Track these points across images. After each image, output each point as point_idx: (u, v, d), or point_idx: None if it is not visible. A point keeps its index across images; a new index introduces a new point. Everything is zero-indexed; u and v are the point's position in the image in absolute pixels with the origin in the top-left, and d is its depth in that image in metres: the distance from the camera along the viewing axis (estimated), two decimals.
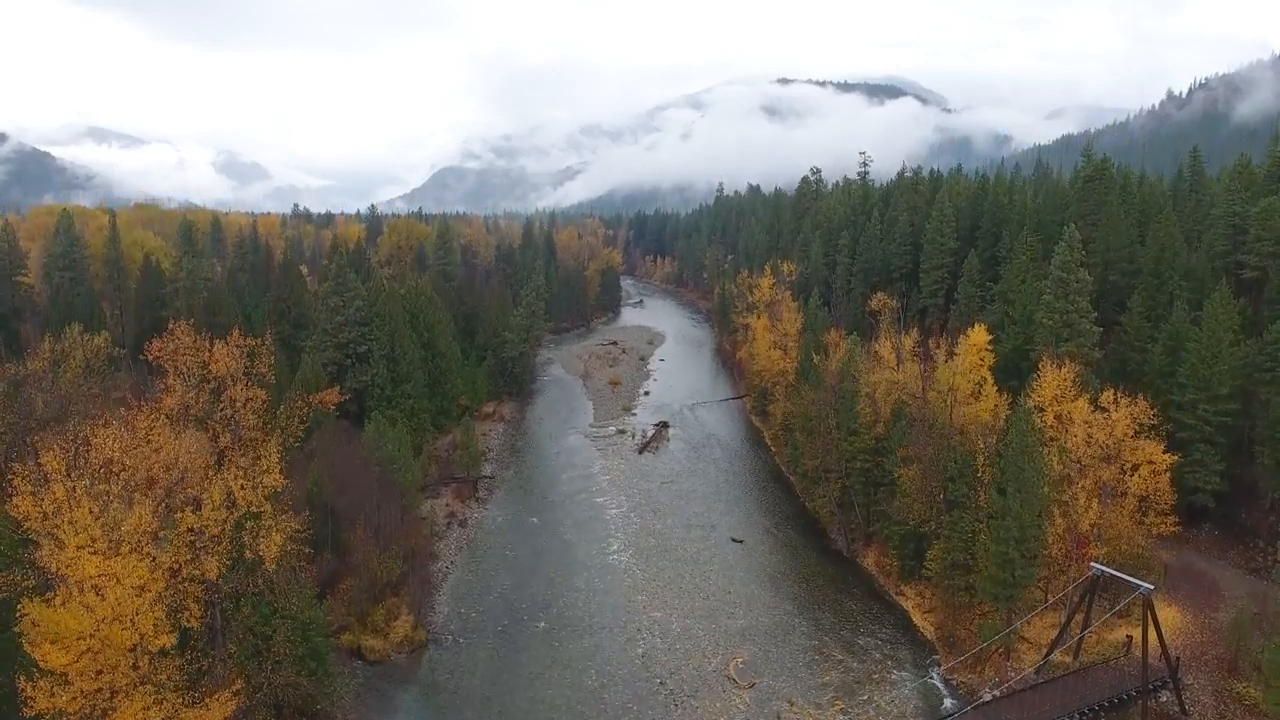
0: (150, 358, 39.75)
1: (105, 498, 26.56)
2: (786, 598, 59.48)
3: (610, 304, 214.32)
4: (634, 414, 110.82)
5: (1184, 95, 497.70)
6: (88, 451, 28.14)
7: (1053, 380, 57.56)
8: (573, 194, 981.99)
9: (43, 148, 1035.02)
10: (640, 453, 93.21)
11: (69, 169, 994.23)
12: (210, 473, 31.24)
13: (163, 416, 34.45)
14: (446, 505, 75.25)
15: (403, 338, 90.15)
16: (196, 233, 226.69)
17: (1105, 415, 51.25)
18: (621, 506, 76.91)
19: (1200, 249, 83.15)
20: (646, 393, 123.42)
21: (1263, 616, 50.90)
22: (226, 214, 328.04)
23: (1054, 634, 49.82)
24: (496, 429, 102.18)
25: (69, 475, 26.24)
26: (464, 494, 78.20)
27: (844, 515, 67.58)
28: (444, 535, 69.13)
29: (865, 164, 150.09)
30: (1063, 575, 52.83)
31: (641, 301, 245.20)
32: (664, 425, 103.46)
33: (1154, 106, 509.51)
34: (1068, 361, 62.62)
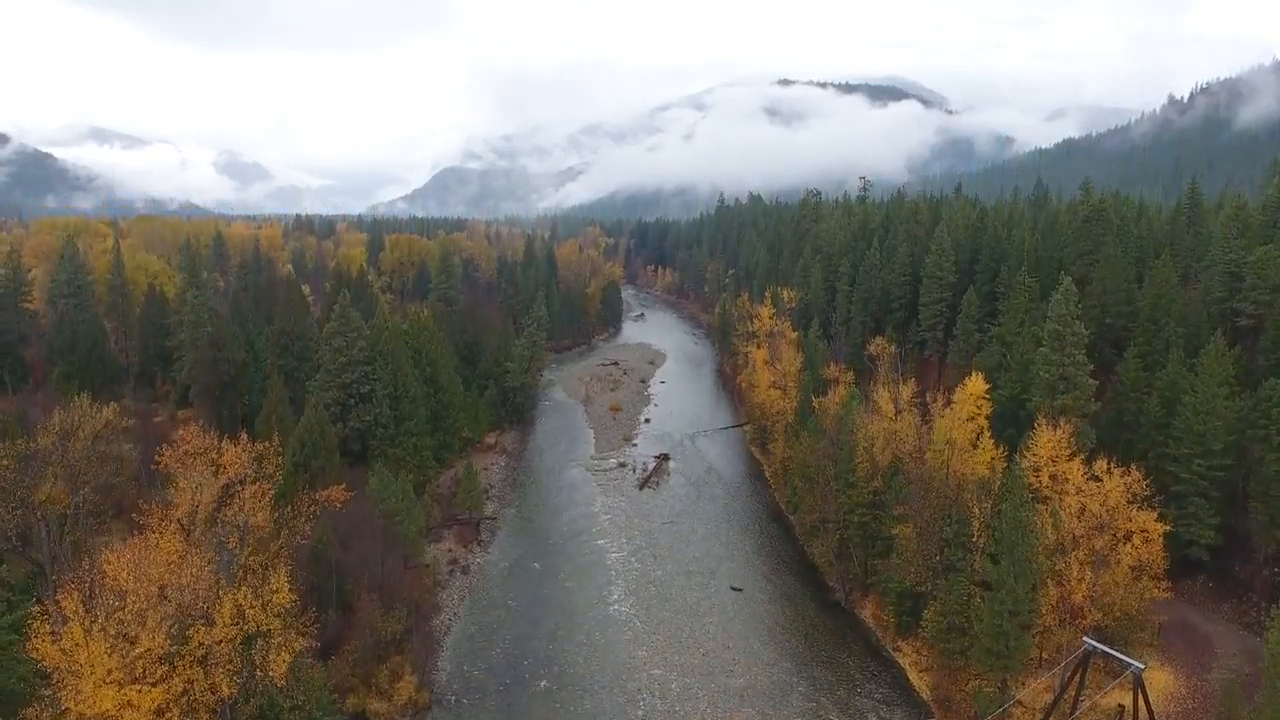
0: (161, 466, 40.24)
1: (120, 624, 27.29)
2: (785, 653, 60.21)
3: (611, 319, 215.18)
4: (634, 444, 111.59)
5: (1185, 100, 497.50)
6: (102, 580, 28.87)
7: (1048, 441, 58.30)
8: (574, 195, 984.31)
9: (44, 149, 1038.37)
10: (641, 488, 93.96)
11: (71, 170, 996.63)
12: (220, 587, 31.87)
13: (174, 522, 35.25)
14: (449, 550, 76.02)
15: (405, 375, 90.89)
16: (198, 245, 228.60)
17: (1099, 484, 51.91)
18: (622, 550, 77.64)
19: (1197, 293, 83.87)
20: (647, 420, 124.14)
21: (1255, 678, 51.69)
22: (229, 224, 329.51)
23: (1048, 698, 50.59)
24: (498, 462, 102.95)
25: (86, 611, 26.98)
26: (466, 537, 78.97)
27: (842, 565, 68.29)
28: (446, 584, 69.88)
29: (865, 187, 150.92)
30: (1059, 631, 53.73)
31: (643, 315, 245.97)
32: (664, 458, 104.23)
33: (1155, 111, 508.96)
34: (1063, 422, 63.50)
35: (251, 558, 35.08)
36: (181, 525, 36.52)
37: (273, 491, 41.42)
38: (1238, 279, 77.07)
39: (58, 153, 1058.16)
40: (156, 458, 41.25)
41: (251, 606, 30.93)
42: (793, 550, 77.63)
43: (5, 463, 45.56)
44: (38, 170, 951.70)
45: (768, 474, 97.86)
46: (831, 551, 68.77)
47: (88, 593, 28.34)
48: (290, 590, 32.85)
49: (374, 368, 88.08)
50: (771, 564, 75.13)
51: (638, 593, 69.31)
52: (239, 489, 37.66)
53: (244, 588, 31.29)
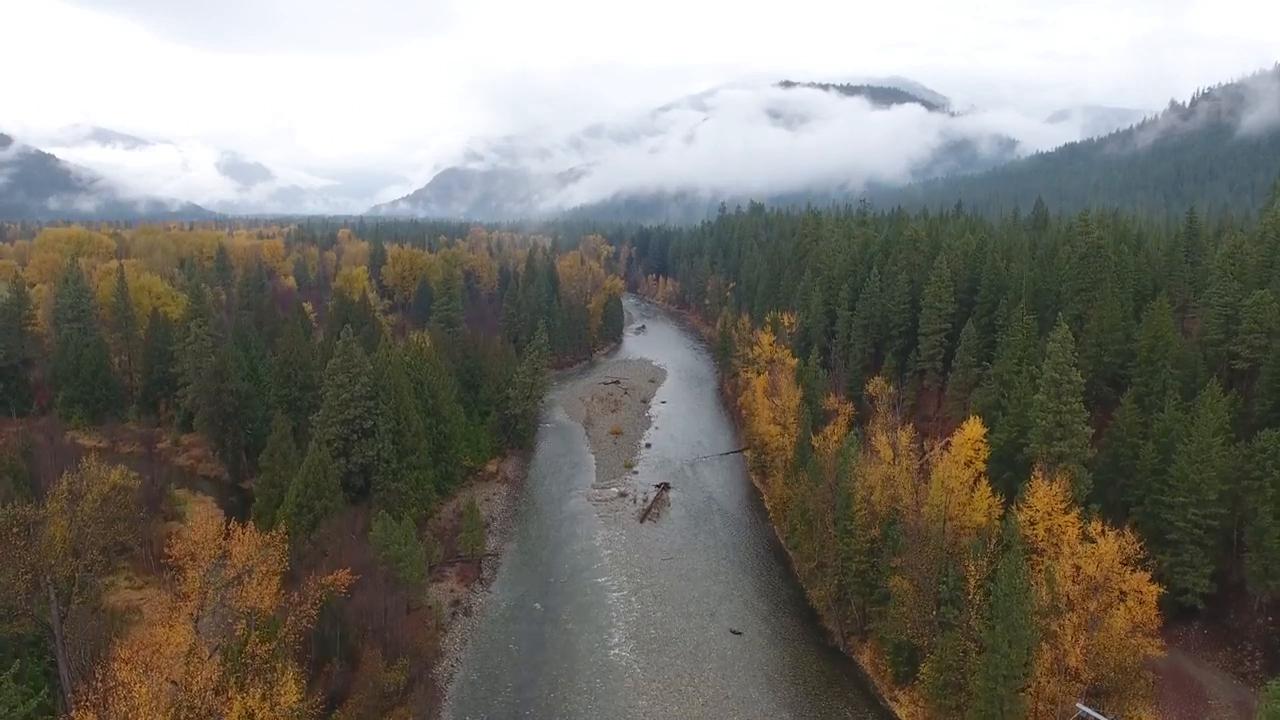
0: (171, 559, 40.87)
1: None
2: (783, 703, 60.81)
3: (613, 333, 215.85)
4: (635, 471, 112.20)
5: (1187, 105, 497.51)
6: (114, 687, 29.50)
7: (1045, 495, 58.87)
8: (575, 196, 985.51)
9: (47, 149, 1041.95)
10: (641, 521, 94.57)
11: (73, 172, 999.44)
12: (229, 686, 32.52)
13: (184, 615, 35.89)
14: (451, 591, 76.66)
15: (408, 409, 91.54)
16: (200, 258, 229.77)
17: (1093, 545, 52.44)
18: (623, 589, 78.26)
19: (1195, 330, 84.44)
20: (648, 444, 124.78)
21: None
22: (231, 233, 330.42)
23: None
24: (500, 492, 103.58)
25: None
26: (468, 575, 79.61)
27: (840, 610, 68.88)
28: (449, 627, 70.51)
29: (865, 208, 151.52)
30: (1053, 684, 54.32)
31: (644, 327, 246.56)
32: (665, 487, 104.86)
33: (1157, 116, 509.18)
34: (1060, 469, 64.12)
35: (259, 646, 35.73)
36: (191, 616, 37.24)
37: (278, 577, 41.98)
38: (1234, 321, 77.57)
39: (60, 154, 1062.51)
40: (167, 551, 41.68)
41: (260, 707, 31.63)
42: (792, 590, 78.20)
43: (14, 530, 46.25)
44: (41, 171, 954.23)
45: (767, 505, 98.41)
46: (830, 596, 69.38)
47: (101, 701, 28.98)
48: (297, 687, 33.50)
49: (376, 402, 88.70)
50: (770, 605, 75.72)
51: (638, 636, 69.90)
52: (247, 578, 38.39)
53: (254, 690, 31.93)
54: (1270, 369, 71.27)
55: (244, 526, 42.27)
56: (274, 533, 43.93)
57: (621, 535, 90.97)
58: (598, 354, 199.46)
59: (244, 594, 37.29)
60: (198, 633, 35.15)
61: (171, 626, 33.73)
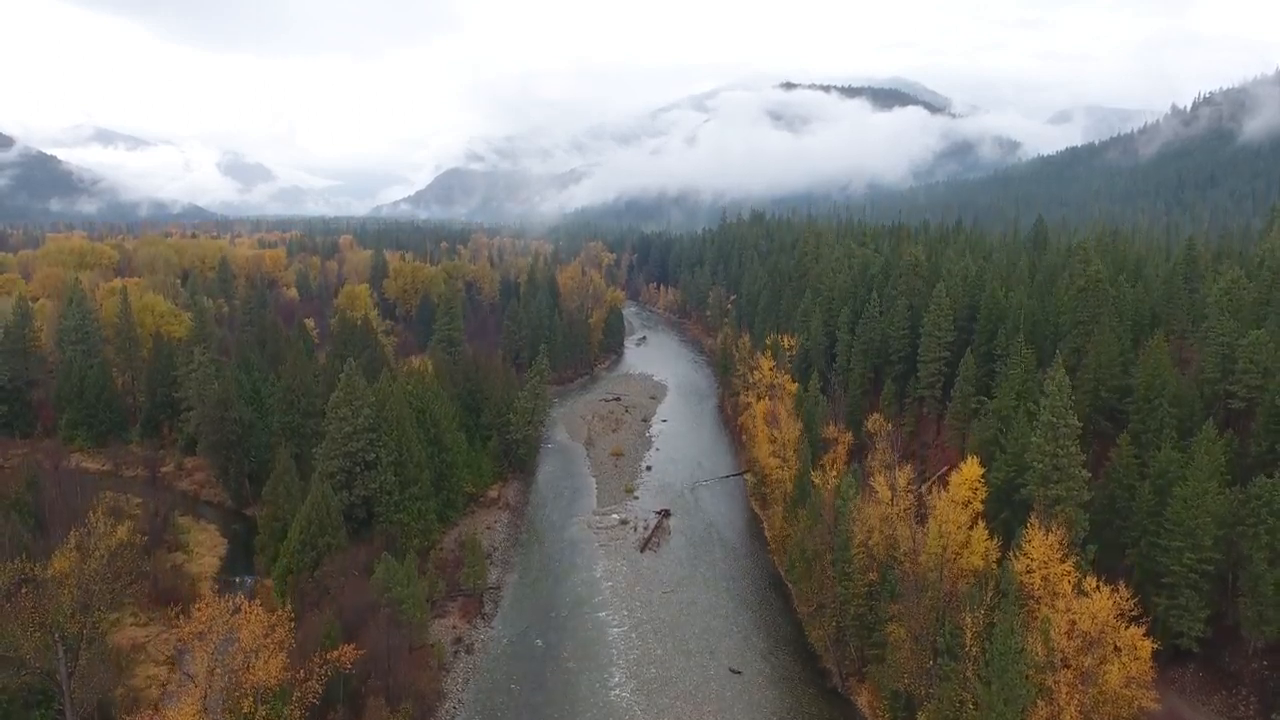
0: (182, 641, 41.48)
1: None
2: None
3: (614, 345, 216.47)
4: (636, 496, 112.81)
5: (1188, 110, 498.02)
6: None
7: (1041, 545, 59.41)
8: (577, 198, 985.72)
9: (49, 150, 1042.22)
10: (642, 550, 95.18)
11: (75, 173, 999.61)
12: None
13: (194, 699, 36.52)
14: (454, 627, 77.25)
15: (410, 440, 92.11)
16: (203, 268, 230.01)
17: (1088, 601, 52.96)
18: (623, 624, 78.84)
19: (1193, 366, 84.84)
20: (649, 467, 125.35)
21: None
22: (234, 243, 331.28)
23: None
24: (501, 519, 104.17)
25: None
26: (470, 610, 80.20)
27: (839, 650, 69.45)
28: (451, 667, 71.09)
29: (865, 230, 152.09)
30: None
31: (645, 338, 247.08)
32: (665, 514, 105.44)
33: (1158, 122, 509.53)
34: (1057, 510, 64.73)
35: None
36: (200, 699, 37.85)
37: (284, 653, 42.59)
38: (1231, 360, 78.00)
39: (62, 154, 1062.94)
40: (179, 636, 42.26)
41: None
42: (791, 626, 78.75)
43: (23, 589, 46.92)
44: (42, 173, 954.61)
45: (767, 534, 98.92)
46: (829, 637, 69.95)
47: None
48: None
49: (379, 434, 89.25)
50: (770, 642, 76.28)
51: (638, 675, 70.48)
52: (254, 658, 39.03)
53: None
54: (1266, 410, 71.74)
55: (251, 602, 42.91)
56: (281, 612, 44.52)
57: (622, 566, 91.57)
58: (599, 368, 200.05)
59: (251, 672, 37.94)
60: (205, 711, 35.88)
61: (180, 710, 34.48)
